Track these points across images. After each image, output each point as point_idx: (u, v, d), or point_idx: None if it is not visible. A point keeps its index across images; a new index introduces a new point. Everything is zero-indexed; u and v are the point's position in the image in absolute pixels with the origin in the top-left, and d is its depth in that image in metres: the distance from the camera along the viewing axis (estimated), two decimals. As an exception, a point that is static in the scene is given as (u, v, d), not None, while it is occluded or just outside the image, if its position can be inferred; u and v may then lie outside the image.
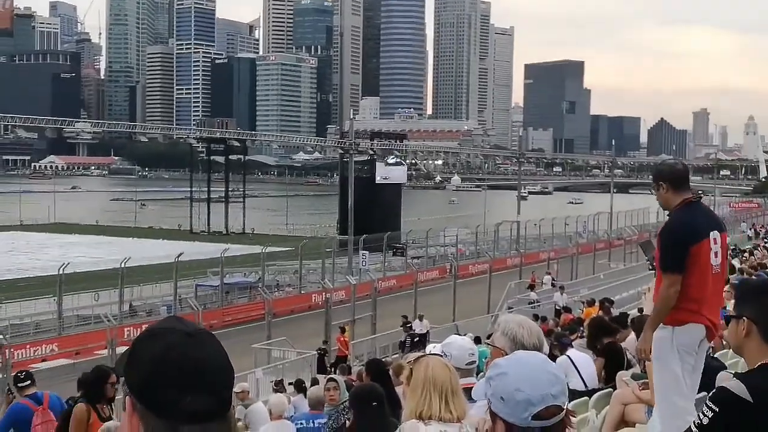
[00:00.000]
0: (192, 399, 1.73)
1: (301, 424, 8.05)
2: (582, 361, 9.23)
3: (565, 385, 2.45)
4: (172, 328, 1.80)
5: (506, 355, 4.01)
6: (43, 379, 28.94)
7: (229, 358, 1.86)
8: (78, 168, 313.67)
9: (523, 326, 4.56)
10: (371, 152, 78.00)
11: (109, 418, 7.51)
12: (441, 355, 4.63)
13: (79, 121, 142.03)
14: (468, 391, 4.18)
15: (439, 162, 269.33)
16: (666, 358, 5.43)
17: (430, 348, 5.50)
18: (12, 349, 25.04)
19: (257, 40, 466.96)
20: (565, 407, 2.39)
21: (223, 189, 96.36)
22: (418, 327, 30.94)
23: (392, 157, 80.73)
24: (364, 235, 53.22)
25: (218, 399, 1.77)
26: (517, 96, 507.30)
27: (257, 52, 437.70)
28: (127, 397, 1.80)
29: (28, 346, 33.95)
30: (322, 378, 16.10)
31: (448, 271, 52.62)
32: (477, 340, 17.43)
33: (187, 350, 1.76)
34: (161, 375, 1.74)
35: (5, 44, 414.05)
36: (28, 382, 9.74)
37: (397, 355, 25.45)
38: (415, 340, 27.85)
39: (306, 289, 48.37)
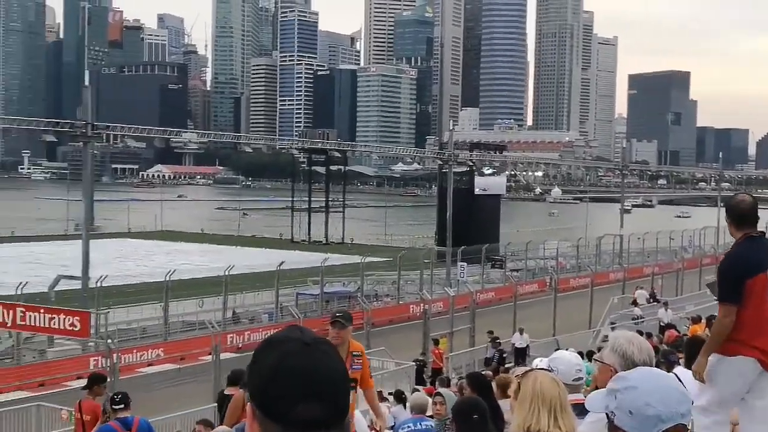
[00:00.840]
0: (307, 407, 1.77)
1: (408, 427, 8.05)
2: (689, 380, 8.99)
3: (691, 404, 2.41)
4: (290, 337, 1.85)
5: (616, 372, 3.95)
6: (148, 384, 29.81)
7: (345, 367, 1.90)
8: (184, 177, 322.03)
9: (633, 343, 4.49)
10: (470, 163, 77.74)
11: None
12: (548, 370, 4.58)
13: (185, 132, 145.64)
14: (574, 407, 4.13)
15: (539, 173, 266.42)
16: (714, 383, 5.73)
17: (537, 362, 5.45)
18: (120, 354, 25.82)
19: (358, 52, 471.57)
20: (689, 428, 2.35)
21: (324, 199, 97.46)
22: (518, 341, 30.66)
23: (488, 168, 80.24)
24: (463, 247, 53.06)
25: (333, 407, 1.80)
26: (621, 107, 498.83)
27: (358, 64, 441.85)
28: (248, 403, 1.85)
29: (135, 351, 34.97)
30: (421, 389, 16.10)
31: (547, 284, 52.04)
32: (588, 355, 17.12)
33: (303, 359, 1.80)
34: (277, 383, 1.78)
35: (115, 56, 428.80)
36: (122, 405, 10.07)
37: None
38: (504, 355, 27.44)
39: (404, 300, 48.48)
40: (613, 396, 2.40)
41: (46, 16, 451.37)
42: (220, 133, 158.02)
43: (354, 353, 7.10)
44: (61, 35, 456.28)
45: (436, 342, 31.21)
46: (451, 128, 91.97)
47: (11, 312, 28.72)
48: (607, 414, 2.41)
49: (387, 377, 26.29)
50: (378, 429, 8.61)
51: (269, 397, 1.79)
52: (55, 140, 62.32)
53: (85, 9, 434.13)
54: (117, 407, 10.07)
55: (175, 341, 37.46)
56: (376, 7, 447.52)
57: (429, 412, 8.87)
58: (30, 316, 28.45)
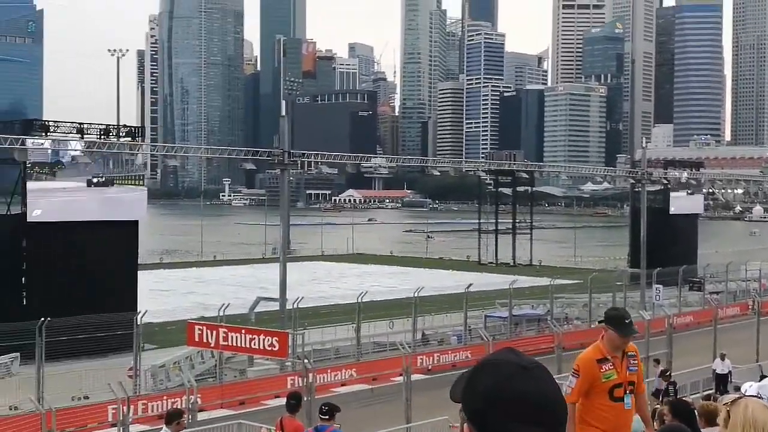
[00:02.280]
0: (527, 430, 1.79)
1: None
2: None
3: None
4: (507, 361, 1.88)
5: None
6: (342, 403, 30.40)
7: (562, 392, 1.94)
8: (374, 201, 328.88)
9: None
10: (665, 181, 75.11)
11: None
12: (758, 397, 4.40)
13: (375, 157, 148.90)
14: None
15: (739, 191, 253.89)
16: None
17: (746, 388, 5.24)
18: (315, 374, 26.60)
19: (545, 72, 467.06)
20: None
21: (511, 220, 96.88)
22: (719, 367, 29.25)
23: (684, 186, 77.26)
24: (658, 269, 51.29)
25: (552, 431, 1.82)
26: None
27: (545, 83, 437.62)
28: (465, 423, 1.93)
29: (329, 371, 35.87)
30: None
31: (750, 307, 49.46)
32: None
33: (521, 383, 1.83)
34: (495, 406, 1.81)
35: (309, 85, 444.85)
36: (327, 416, 10.59)
37: (698, 395, 24.15)
38: (677, 388, 25.69)
39: (595, 324, 47.30)
40: None
41: (244, 50, 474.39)
42: (408, 157, 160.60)
43: (629, 354, 6.85)
44: (258, 67, 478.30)
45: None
46: (643, 145, 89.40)
47: (214, 333, 30.15)
48: None
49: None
50: None
51: (489, 420, 1.82)
52: (254, 168, 65.08)
53: (280, 41, 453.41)
54: (323, 417, 10.61)
55: (367, 362, 38.16)
56: (563, 26, 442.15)
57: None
58: (232, 336, 29.76)
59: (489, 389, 1.84)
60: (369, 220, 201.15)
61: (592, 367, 6.50)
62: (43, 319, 29.98)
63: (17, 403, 29.17)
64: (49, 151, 42.64)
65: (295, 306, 37.78)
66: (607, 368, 6.51)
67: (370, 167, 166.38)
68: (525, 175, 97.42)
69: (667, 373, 27.38)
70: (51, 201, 41.92)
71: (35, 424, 21.17)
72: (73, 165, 43.60)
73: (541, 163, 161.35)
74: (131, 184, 45.50)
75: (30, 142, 41.80)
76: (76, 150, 43.27)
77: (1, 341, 36.56)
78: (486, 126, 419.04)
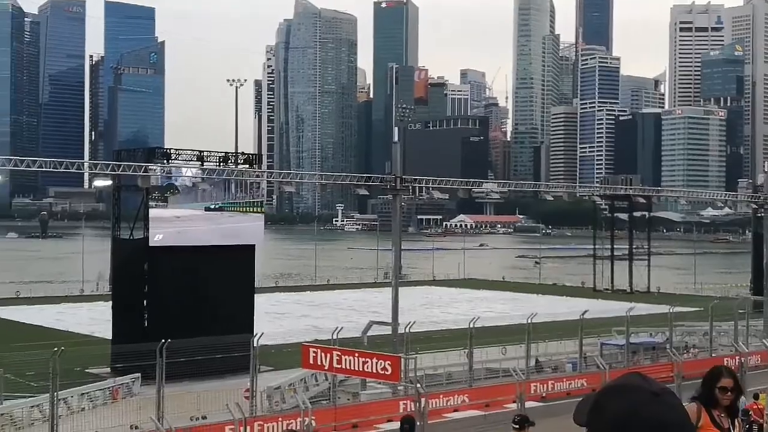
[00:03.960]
0: None
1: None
2: None
3: None
4: (637, 386, 1.87)
5: None
6: (455, 429, 30.30)
7: (691, 419, 1.93)
8: (485, 226, 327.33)
9: None
10: (789, 207, 72.19)
11: (726, 429, 6.40)
12: None
13: (486, 182, 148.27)
14: None
15: None
16: None
17: None
18: (427, 398, 26.56)
19: (662, 95, 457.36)
20: None
21: (627, 246, 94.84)
22: None
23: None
24: (783, 297, 49.32)
25: None
26: None
27: (662, 107, 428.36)
28: None
29: (441, 396, 35.71)
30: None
31: None
32: None
33: (650, 410, 1.82)
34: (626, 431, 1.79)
35: (421, 112, 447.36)
36: (518, 427, 11.00)
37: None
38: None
39: (717, 353, 45.77)
40: None
41: (358, 78, 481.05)
42: (520, 182, 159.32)
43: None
44: (371, 95, 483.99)
45: (756, 397, 29.14)
46: (765, 170, 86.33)
47: (328, 355, 30.48)
48: None
49: None
50: None
51: None
52: (366, 193, 65.72)
53: (393, 69, 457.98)
54: (515, 426, 11.02)
55: (480, 388, 37.84)
56: (681, 49, 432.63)
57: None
58: (345, 359, 30.02)
59: (618, 415, 1.82)
60: (480, 245, 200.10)
61: None
62: (163, 341, 30.90)
63: (138, 423, 30.09)
64: (159, 177, 43.98)
65: (407, 330, 37.84)
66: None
67: (482, 192, 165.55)
68: (642, 200, 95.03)
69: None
70: (172, 226, 43.30)
71: (156, 442, 21.81)
72: (191, 190, 44.90)
73: (659, 188, 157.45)
74: (253, 211, 46.55)
75: (153, 169, 43.34)
76: (196, 177, 44.62)
77: (123, 362, 37.91)
78: (600, 150, 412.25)
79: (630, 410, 1.80)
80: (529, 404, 27.14)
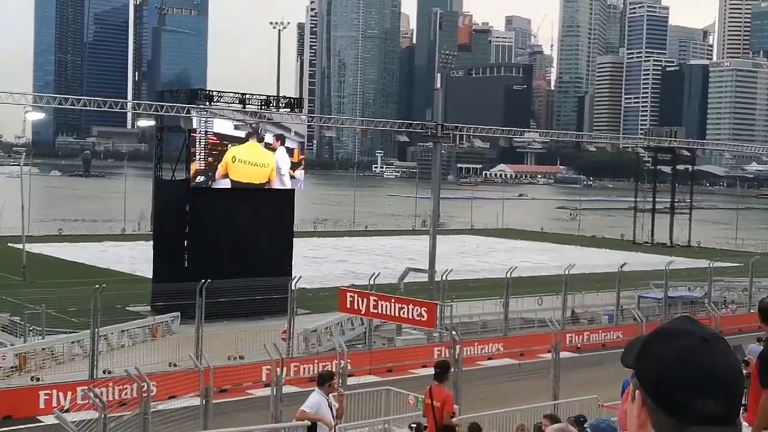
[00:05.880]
0: (704, 402, 1.78)
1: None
2: None
3: None
4: (688, 330, 1.86)
5: None
6: (489, 377, 30.51)
7: (740, 365, 1.92)
8: (525, 176, 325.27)
9: None
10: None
11: None
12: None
13: (528, 131, 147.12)
14: None
15: None
16: None
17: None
18: (462, 346, 26.69)
19: (711, 46, 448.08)
20: None
21: (669, 200, 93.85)
22: None
23: None
24: (827, 254, 48.68)
25: (729, 405, 1.81)
26: None
27: (710, 59, 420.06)
28: (636, 390, 1.92)
29: (476, 344, 36.00)
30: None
31: None
32: None
33: (702, 354, 1.82)
34: (676, 376, 1.81)
35: (464, 59, 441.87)
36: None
37: None
38: None
39: (756, 309, 45.39)
40: None
41: (401, 23, 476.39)
42: (563, 132, 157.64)
43: None
44: (414, 40, 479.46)
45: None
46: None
47: (365, 300, 30.74)
48: None
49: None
50: None
51: (666, 389, 1.82)
52: (407, 140, 65.55)
53: (437, 14, 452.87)
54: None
55: (515, 337, 38.05)
56: (731, 0, 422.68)
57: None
58: (382, 305, 30.27)
59: (668, 359, 1.83)
60: (520, 195, 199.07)
61: None
62: (203, 281, 31.31)
63: (177, 360, 30.66)
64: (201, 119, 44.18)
65: (444, 278, 37.99)
66: None
67: (523, 142, 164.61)
68: (686, 153, 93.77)
69: None
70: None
71: (194, 381, 22.21)
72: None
73: (704, 141, 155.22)
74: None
75: (195, 111, 43.55)
76: (237, 120, 44.76)
77: (163, 301, 38.52)
78: (646, 101, 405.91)
79: (680, 354, 1.81)
80: (563, 354, 27.19)
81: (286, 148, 45.74)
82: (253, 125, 44.66)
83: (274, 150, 45.15)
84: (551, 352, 24.98)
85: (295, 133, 46.84)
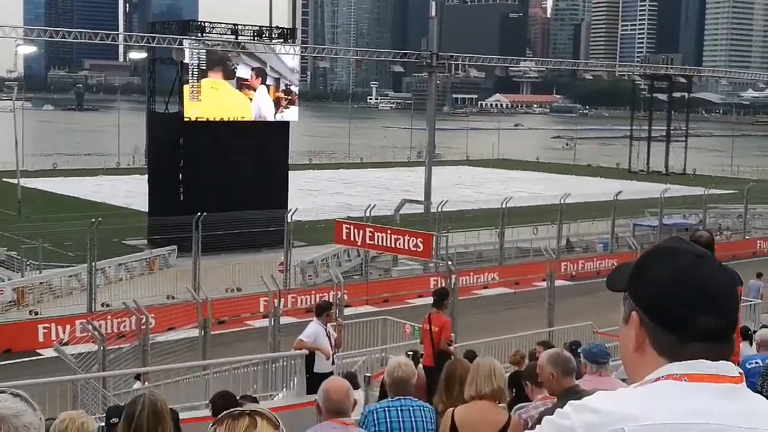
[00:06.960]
0: (705, 318, 1.81)
1: (756, 363, 7.72)
2: None
3: None
4: (682, 249, 1.89)
5: None
6: (484, 305, 30.88)
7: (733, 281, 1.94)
8: (521, 106, 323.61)
9: None
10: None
11: None
12: None
13: (524, 60, 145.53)
14: None
15: None
16: None
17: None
18: (458, 275, 26.89)
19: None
20: None
21: (665, 127, 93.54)
22: None
23: None
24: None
25: (727, 321, 1.85)
26: None
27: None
28: (633, 312, 1.91)
29: (471, 274, 36.32)
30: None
31: None
32: None
33: (699, 271, 1.84)
34: (675, 294, 1.83)
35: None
36: None
37: None
38: None
39: (750, 235, 45.76)
40: None
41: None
42: (559, 59, 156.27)
43: None
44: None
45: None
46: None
47: (361, 232, 30.84)
48: None
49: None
50: None
51: (665, 306, 1.84)
52: (402, 71, 65.02)
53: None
54: None
55: (510, 266, 38.33)
56: None
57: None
58: (378, 236, 30.37)
59: (666, 277, 1.85)
60: (515, 125, 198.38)
61: None
62: (199, 213, 31.34)
63: (174, 293, 30.88)
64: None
65: (439, 209, 38.09)
66: None
67: (519, 71, 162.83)
68: (682, 80, 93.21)
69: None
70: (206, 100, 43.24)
71: (192, 313, 22.41)
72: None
73: (700, 68, 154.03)
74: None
75: (187, 42, 43.05)
76: (230, 50, 44.26)
77: (159, 234, 38.62)
78: (642, 28, 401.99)
79: (678, 272, 1.84)
80: (558, 282, 27.40)
81: (266, 85, 44.81)
82: (219, 52, 43.47)
83: (254, 89, 44.17)
84: (546, 280, 25.18)
85: (271, 67, 45.38)
